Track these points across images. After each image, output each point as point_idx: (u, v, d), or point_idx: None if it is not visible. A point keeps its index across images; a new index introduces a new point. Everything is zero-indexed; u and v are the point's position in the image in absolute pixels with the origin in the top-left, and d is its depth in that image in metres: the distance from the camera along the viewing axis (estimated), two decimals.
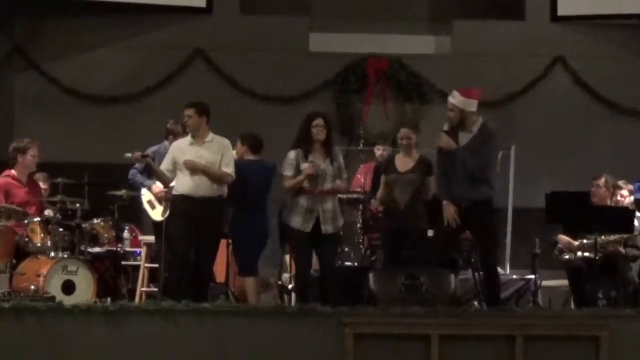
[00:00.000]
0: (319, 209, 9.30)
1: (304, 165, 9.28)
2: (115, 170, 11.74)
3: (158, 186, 10.44)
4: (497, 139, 9.46)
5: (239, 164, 9.78)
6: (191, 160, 9.48)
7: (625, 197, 10.77)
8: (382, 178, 9.96)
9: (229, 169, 9.58)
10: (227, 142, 9.72)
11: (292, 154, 9.39)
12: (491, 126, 9.40)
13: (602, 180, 10.59)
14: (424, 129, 12.71)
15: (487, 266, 9.35)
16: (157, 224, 10.51)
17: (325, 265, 9.39)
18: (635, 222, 10.28)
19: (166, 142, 10.61)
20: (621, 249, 10.25)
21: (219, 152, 9.58)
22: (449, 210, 9.16)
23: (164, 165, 9.69)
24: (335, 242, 9.55)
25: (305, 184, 9.30)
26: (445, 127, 9.27)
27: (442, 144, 9.19)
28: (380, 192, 9.99)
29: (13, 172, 10.33)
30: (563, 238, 10.41)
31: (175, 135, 10.42)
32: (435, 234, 9.62)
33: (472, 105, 9.22)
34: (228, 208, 9.94)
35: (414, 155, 9.85)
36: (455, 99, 9.23)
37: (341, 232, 9.91)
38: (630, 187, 10.96)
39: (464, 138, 9.20)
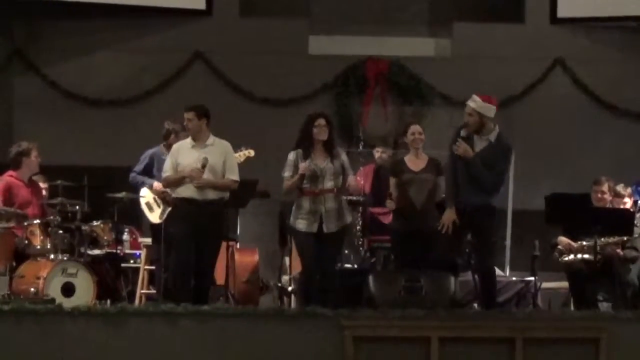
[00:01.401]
0: (321, 209, 9.30)
1: (302, 165, 9.28)
2: (115, 172, 11.75)
3: (159, 184, 10.44)
4: (512, 152, 9.54)
5: None
6: (198, 181, 9.43)
7: (626, 203, 10.78)
8: (393, 180, 9.81)
9: (233, 176, 9.57)
10: (229, 145, 9.68)
11: (291, 155, 9.40)
12: (507, 138, 9.48)
13: (605, 185, 10.56)
14: (424, 131, 12.74)
15: (484, 270, 9.35)
16: (154, 227, 10.51)
17: (326, 264, 9.35)
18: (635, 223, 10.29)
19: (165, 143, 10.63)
20: (619, 250, 10.24)
21: (221, 157, 9.54)
22: (448, 216, 9.20)
23: (167, 170, 9.65)
24: (338, 240, 9.48)
25: (306, 185, 9.30)
26: (463, 133, 9.26)
27: (460, 152, 9.20)
28: (394, 193, 9.81)
29: (16, 173, 10.37)
30: (563, 240, 10.40)
31: (177, 134, 10.42)
32: (440, 236, 9.60)
33: (491, 110, 9.30)
34: (229, 210, 9.97)
35: (423, 156, 9.79)
36: (475, 103, 9.28)
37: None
38: (629, 190, 10.96)
39: (479, 144, 9.23)
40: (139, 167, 10.80)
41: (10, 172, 10.42)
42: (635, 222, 10.30)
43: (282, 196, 9.77)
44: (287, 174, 9.38)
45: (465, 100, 9.59)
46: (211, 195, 9.48)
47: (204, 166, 9.43)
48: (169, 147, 10.28)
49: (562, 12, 14.66)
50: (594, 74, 14.59)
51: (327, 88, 14.56)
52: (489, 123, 9.31)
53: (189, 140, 9.68)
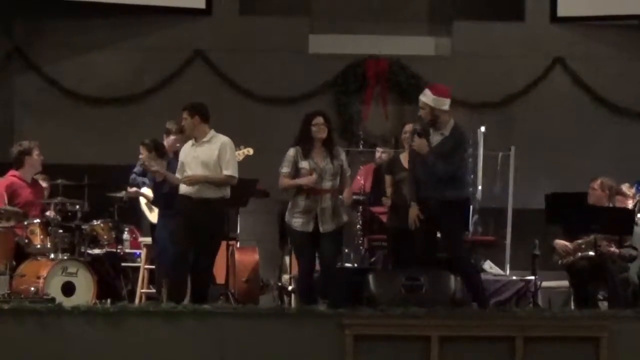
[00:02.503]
0: (317, 208, 9.26)
1: (303, 164, 9.26)
2: (115, 171, 11.75)
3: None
4: (468, 142, 9.49)
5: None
6: (188, 178, 9.46)
7: (628, 204, 10.76)
8: (388, 178, 9.85)
9: (229, 171, 9.49)
10: (225, 140, 9.54)
11: (291, 152, 9.36)
12: (463, 129, 9.45)
13: (598, 182, 10.50)
14: None
15: (462, 265, 9.31)
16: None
17: (325, 263, 9.31)
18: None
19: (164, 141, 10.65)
20: (614, 249, 10.17)
21: (214, 152, 9.46)
22: (413, 213, 9.19)
23: (177, 172, 9.66)
24: (335, 239, 9.37)
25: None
26: (417, 127, 9.26)
27: (415, 147, 9.21)
28: (390, 191, 9.87)
29: (18, 172, 10.37)
30: (559, 243, 10.29)
31: (174, 134, 10.44)
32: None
33: (443, 103, 9.24)
34: (230, 209, 9.97)
35: None
36: (426, 97, 9.26)
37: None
38: (633, 190, 10.93)
39: (434, 139, 9.23)
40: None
41: (13, 172, 10.40)
42: (636, 220, 10.29)
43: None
44: (284, 169, 9.35)
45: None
46: (207, 193, 9.41)
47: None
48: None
49: (562, 10, 14.68)
50: (593, 72, 14.61)
51: (327, 87, 14.58)
52: (443, 116, 9.26)
53: (191, 140, 9.68)
